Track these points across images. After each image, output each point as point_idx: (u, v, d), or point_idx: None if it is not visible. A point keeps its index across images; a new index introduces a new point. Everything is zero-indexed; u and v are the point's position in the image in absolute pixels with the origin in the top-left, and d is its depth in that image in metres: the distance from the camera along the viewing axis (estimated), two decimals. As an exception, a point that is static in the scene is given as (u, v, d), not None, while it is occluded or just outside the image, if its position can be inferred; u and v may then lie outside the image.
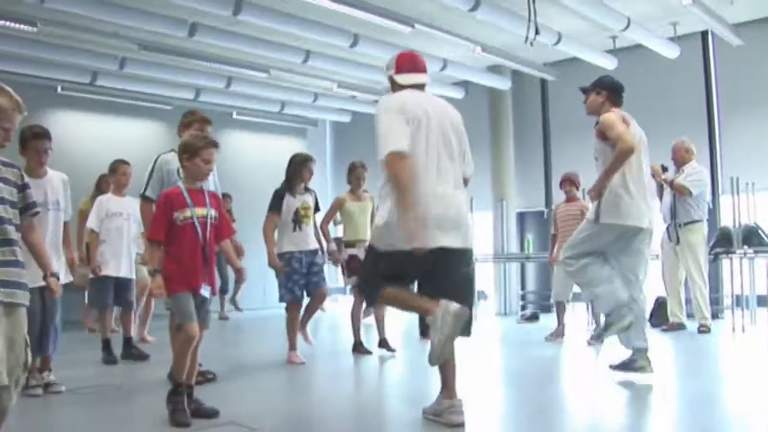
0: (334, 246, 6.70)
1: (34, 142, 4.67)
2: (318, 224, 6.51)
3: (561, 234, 7.53)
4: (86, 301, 6.88)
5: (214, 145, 4.04)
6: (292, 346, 6.18)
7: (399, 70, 3.99)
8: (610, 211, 4.83)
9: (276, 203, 6.16)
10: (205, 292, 3.95)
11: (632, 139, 4.77)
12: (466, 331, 3.63)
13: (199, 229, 3.91)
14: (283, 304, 6.22)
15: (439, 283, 3.69)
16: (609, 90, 5.07)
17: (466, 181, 3.97)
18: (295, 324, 6.21)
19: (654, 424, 3.91)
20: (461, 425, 3.65)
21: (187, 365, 3.94)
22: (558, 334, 7.60)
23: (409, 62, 4.01)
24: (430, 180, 3.67)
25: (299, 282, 6.12)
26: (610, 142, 4.83)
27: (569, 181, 7.75)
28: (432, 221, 3.57)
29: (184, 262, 3.87)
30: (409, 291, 3.84)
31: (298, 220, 6.14)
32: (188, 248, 3.88)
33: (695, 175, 7.76)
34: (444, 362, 3.68)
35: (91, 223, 6.47)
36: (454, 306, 3.46)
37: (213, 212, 4.01)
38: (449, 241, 3.65)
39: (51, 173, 4.85)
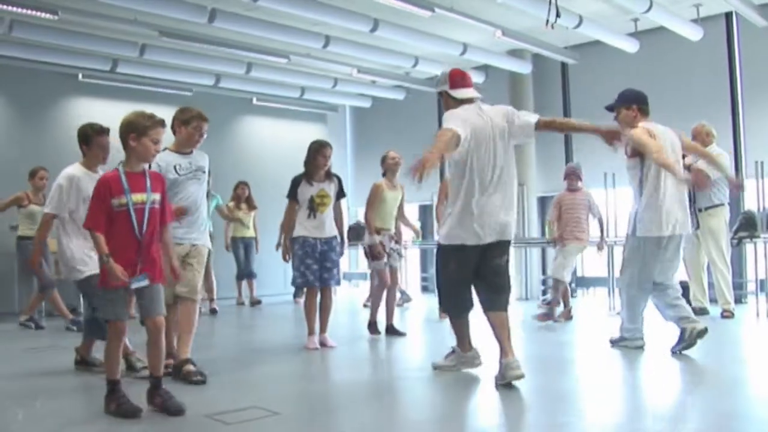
0: (377, 239, 6.73)
1: (99, 139, 4.91)
2: (365, 216, 6.86)
3: (567, 219, 7.86)
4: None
5: (163, 124, 3.92)
6: (310, 331, 6.22)
7: (453, 86, 4.47)
8: (645, 224, 5.16)
9: (292, 191, 6.24)
10: (138, 283, 3.69)
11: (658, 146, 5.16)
12: None
13: (134, 217, 3.70)
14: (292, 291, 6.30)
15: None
16: (638, 102, 5.43)
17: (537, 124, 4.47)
18: (312, 308, 6.24)
19: (678, 408, 3.90)
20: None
21: (119, 362, 3.76)
22: (564, 314, 7.81)
23: (461, 79, 4.51)
24: (486, 191, 4.33)
25: (312, 266, 6.14)
26: (635, 160, 5.30)
27: (575, 175, 8.03)
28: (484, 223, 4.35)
29: (117, 253, 3.66)
30: (468, 327, 4.81)
31: (312, 207, 6.16)
32: (121, 237, 3.69)
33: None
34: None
35: None
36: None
37: (155, 196, 3.81)
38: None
39: (100, 170, 4.98)
